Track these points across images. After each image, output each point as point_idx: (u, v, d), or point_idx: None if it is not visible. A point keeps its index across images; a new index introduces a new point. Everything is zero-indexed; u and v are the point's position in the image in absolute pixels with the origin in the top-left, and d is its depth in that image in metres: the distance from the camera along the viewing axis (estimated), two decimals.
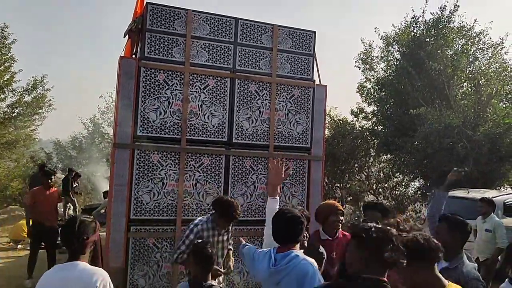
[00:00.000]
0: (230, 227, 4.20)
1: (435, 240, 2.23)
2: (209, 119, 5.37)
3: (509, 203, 9.04)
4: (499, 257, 6.48)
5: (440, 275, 2.22)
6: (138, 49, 5.56)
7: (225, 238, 4.13)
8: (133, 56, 5.67)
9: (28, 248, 9.44)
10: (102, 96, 19.85)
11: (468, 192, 8.91)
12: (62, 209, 13.16)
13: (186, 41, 5.31)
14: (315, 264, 2.71)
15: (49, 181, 7.29)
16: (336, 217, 3.88)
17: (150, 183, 5.13)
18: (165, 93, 5.21)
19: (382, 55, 16.24)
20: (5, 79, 15.25)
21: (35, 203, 7.09)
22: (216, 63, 5.46)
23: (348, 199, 15.43)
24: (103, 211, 11.81)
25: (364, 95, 16.74)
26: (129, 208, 5.03)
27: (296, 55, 5.86)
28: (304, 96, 5.85)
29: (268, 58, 5.71)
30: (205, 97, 5.37)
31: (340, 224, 3.94)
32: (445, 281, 2.22)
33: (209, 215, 4.11)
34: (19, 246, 9.53)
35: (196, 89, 5.33)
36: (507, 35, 15.08)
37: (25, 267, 7.75)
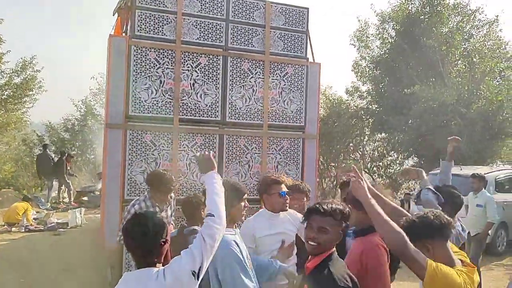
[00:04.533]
0: (172, 202, 4.19)
1: (446, 217, 2.25)
2: (201, 98, 5.32)
3: (500, 179, 9.15)
4: (489, 231, 6.58)
5: (452, 254, 2.21)
6: (128, 27, 5.46)
7: (169, 213, 4.16)
8: (123, 34, 5.58)
9: (23, 230, 9.48)
10: (94, 77, 19.54)
11: (461, 169, 8.96)
12: (56, 192, 13.20)
13: (177, 18, 5.21)
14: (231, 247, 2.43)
15: None
16: None
17: (143, 163, 5.10)
18: (157, 72, 5.14)
19: (377, 32, 16.11)
20: None
21: None
22: (208, 41, 5.38)
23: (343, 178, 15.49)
24: (98, 192, 11.81)
25: (359, 74, 16.66)
26: (123, 188, 5.01)
27: (289, 32, 5.78)
28: (297, 74, 5.80)
29: (261, 36, 5.63)
30: (197, 76, 5.30)
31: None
32: (457, 261, 2.22)
33: (146, 193, 4.10)
34: (13, 229, 9.52)
35: (188, 67, 5.26)
36: (503, 12, 15.00)
37: (21, 250, 7.78)
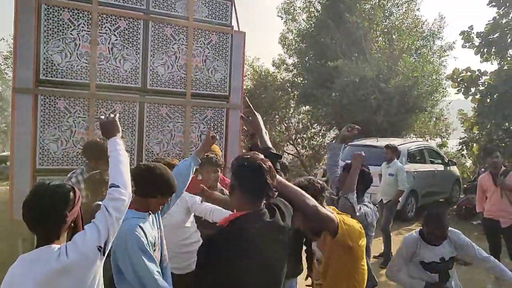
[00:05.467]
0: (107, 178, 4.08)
1: (319, 182, 2.47)
2: (120, 63, 5.07)
3: (412, 150, 9.83)
4: (400, 198, 7.08)
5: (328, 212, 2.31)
6: None
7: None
8: None
9: None
10: (4, 39, 17.94)
11: (377, 141, 9.51)
12: None
13: None
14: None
15: None
16: None
17: (57, 131, 4.81)
18: (71, 34, 4.80)
19: (304, 6, 16.31)
20: None
21: None
22: (127, 3, 5.09)
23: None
24: (9, 163, 11.05)
25: (286, 47, 16.85)
26: (34, 157, 4.71)
27: None
28: (222, 42, 5.71)
29: (184, 1, 5.44)
30: (116, 40, 5.03)
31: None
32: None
33: (82, 167, 3.98)
34: None
35: (106, 30, 4.97)
36: None
37: None
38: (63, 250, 1.76)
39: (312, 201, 2.17)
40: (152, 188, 2.41)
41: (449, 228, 3.24)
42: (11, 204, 4.64)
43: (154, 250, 2.46)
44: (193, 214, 3.48)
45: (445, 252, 3.21)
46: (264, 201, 2.00)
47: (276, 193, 2.02)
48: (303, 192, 2.19)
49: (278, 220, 1.97)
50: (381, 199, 6.89)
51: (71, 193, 1.86)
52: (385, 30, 15.16)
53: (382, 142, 9.24)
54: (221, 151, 5.77)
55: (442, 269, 3.18)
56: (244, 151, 3.97)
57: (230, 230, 1.91)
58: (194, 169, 3.09)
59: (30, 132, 4.67)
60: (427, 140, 14.44)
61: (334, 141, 4.11)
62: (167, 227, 2.95)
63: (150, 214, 2.52)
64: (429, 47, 15.27)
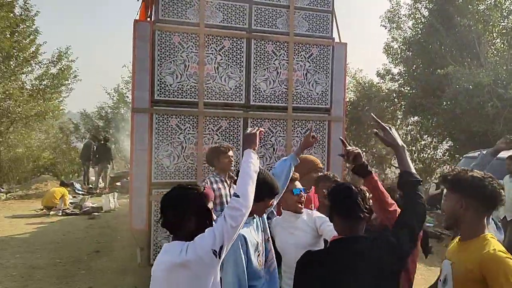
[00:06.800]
0: (232, 181, 4.32)
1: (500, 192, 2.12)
2: (225, 82, 5.31)
3: None
4: None
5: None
6: (152, 12, 5.50)
7: (227, 192, 4.26)
8: (148, 19, 5.62)
9: (60, 214, 9.87)
10: (125, 66, 19.88)
11: None
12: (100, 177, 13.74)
13: (200, 1, 5.20)
14: None
15: None
16: (317, 174, 3.94)
17: (169, 147, 5.16)
18: (181, 56, 5.16)
19: (410, 12, 15.59)
20: (31, 51, 15.50)
21: None
22: (231, 24, 5.34)
23: (373, 162, 15.27)
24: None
25: (390, 56, 16.22)
26: (150, 172, 5.10)
27: (314, 12, 5.67)
28: (323, 55, 5.69)
29: (285, 17, 5.54)
30: (221, 59, 5.29)
31: None
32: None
33: (213, 172, 4.39)
34: (51, 213, 9.91)
35: (212, 51, 5.26)
36: None
37: (58, 232, 8.11)
38: (184, 248, 2.00)
39: None
40: (257, 193, 2.43)
41: None
42: (131, 216, 5.06)
43: (258, 255, 2.50)
44: (322, 239, 3.09)
45: None
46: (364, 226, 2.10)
47: (369, 215, 2.10)
48: None
49: (368, 252, 1.98)
50: (504, 216, 6.22)
51: (190, 196, 2.09)
52: (504, 31, 13.81)
53: (503, 153, 8.36)
54: (324, 164, 5.70)
55: None
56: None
57: (320, 253, 2.16)
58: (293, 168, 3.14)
59: (146, 148, 5.08)
60: None
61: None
62: (292, 246, 2.90)
63: (254, 218, 2.60)
64: None
